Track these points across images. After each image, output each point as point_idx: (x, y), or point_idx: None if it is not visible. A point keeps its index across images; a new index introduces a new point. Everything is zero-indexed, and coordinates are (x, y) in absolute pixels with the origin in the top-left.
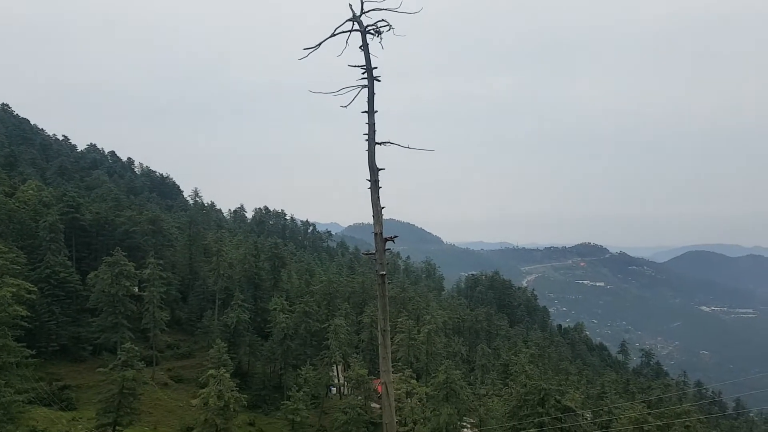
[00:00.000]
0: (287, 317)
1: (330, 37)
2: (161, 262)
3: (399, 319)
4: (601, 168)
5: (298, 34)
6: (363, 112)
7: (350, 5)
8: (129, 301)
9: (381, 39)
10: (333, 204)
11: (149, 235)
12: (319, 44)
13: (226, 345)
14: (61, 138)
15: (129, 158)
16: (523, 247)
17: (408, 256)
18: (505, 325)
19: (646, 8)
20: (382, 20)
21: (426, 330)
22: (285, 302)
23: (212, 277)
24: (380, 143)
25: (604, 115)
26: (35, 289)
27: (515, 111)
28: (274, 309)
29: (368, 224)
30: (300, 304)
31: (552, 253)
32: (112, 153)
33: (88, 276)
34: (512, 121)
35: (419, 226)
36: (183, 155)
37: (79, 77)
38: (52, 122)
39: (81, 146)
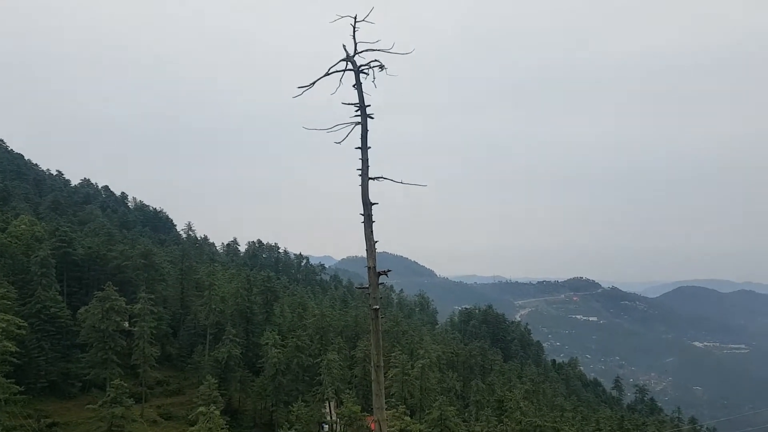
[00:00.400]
0: (279, 352)
1: (324, 76)
2: (152, 296)
3: (392, 354)
4: (591, 203)
5: (293, 71)
6: (357, 148)
7: (344, 46)
8: (119, 337)
9: (374, 78)
10: (326, 237)
11: (141, 270)
12: (314, 83)
13: (216, 381)
14: (54, 173)
15: (122, 193)
16: (516, 281)
17: (401, 290)
18: (499, 360)
19: (627, 47)
20: (375, 60)
21: (420, 365)
22: (277, 337)
23: (204, 312)
24: (373, 178)
25: (595, 151)
26: (25, 324)
27: (508, 146)
28: (266, 344)
29: (362, 257)
30: (292, 338)
31: (545, 287)
32: (106, 188)
33: (79, 311)
34: (505, 156)
35: (412, 259)
36: (177, 189)
37: (73, 112)
38: (46, 157)
39: (75, 181)
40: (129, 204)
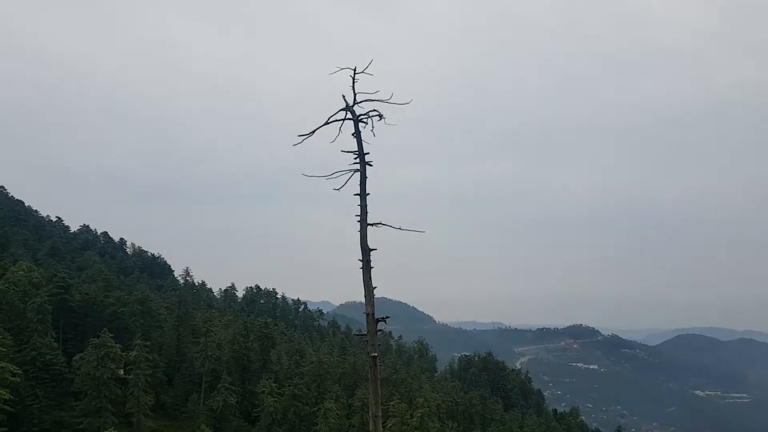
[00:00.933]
0: (276, 400)
1: (324, 125)
2: (148, 343)
3: (391, 402)
4: (591, 250)
5: (291, 120)
6: (355, 195)
7: (343, 96)
8: (114, 385)
9: (373, 127)
10: (325, 282)
11: (137, 316)
12: (313, 131)
13: (211, 431)
14: (54, 219)
15: (121, 239)
16: (516, 328)
17: (400, 336)
18: (499, 409)
19: (620, 102)
20: (374, 110)
21: (419, 414)
22: (274, 384)
23: (200, 359)
24: (372, 224)
25: (595, 199)
26: (20, 371)
27: (506, 192)
28: (263, 392)
29: (360, 302)
30: (289, 386)
31: (544, 334)
32: (105, 234)
33: (74, 358)
34: (503, 203)
35: (411, 305)
36: (175, 235)
37: (73, 159)
38: (45, 204)
39: (74, 227)
40: (127, 250)
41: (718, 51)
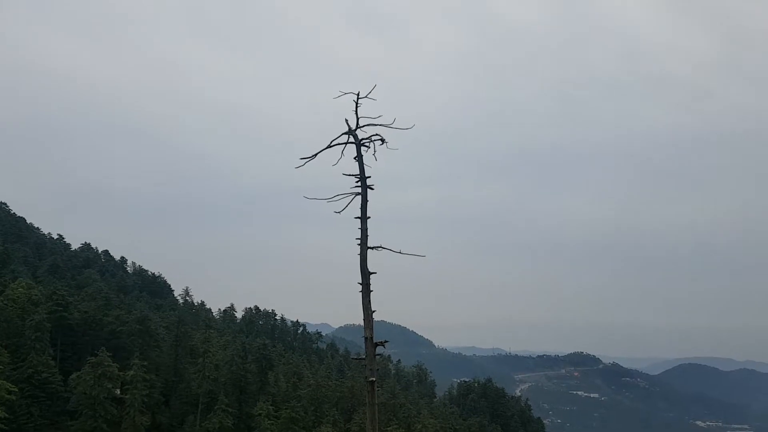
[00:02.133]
0: (272, 423)
1: (326, 148)
2: (146, 363)
3: (388, 428)
4: (592, 277)
5: (293, 141)
6: (356, 218)
7: (346, 120)
8: (110, 405)
9: (375, 151)
10: (324, 304)
11: (136, 335)
12: (316, 154)
13: None
14: (55, 237)
15: (122, 257)
16: (516, 354)
17: (399, 360)
18: None
19: (627, 126)
20: (377, 134)
21: None
22: (271, 407)
23: (197, 379)
24: (372, 248)
25: (597, 226)
26: (16, 389)
27: (506, 218)
28: (260, 414)
29: (359, 325)
30: (286, 409)
31: (545, 361)
32: (106, 252)
33: (71, 377)
34: (504, 227)
35: (411, 329)
36: (176, 254)
37: (76, 177)
38: (47, 221)
39: (75, 245)
40: (128, 269)
41: (718, 79)
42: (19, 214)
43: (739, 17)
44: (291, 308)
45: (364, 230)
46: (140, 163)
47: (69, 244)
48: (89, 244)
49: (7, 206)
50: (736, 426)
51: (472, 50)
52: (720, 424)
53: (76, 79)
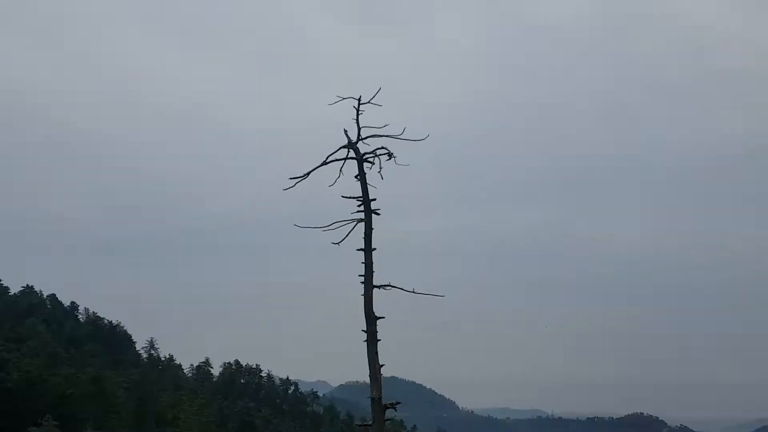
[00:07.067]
0: None
1: (321, 165)
2: None
3: None
4: (654, 321)
5: (281, 159)
6: (359, 250)
7: (345, 131)
8: None
9: (380, 168)
10: (320, 357)
11: (89, 399)
12: (308, 173)
13: None
14: None
15: (72, 302)
16: (560, 417)
17: (414, 426)
18: None
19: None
20: (382, 148)
21: None
22: None
23: None
24: (379, 286)
25: (657, 258)
26: None
27: (545, 249)
28: None
29: (365, 383)
30: None
31: (597, 425)
32: (52, 296)
33: None
34: (542, 261)
35: (429, 387)
36: (138, 298)
37: (14, 206)
38: None
39: (14, 289)
40: (79, 316)
41: None
42: None
43: None
44: (280, 363)
45: (368, 265)
46: (94, 192)
47: (7, 288)
48: (32, 287)
49: None
50: None
51: (492, 48)
52: None
53: (21, 93)
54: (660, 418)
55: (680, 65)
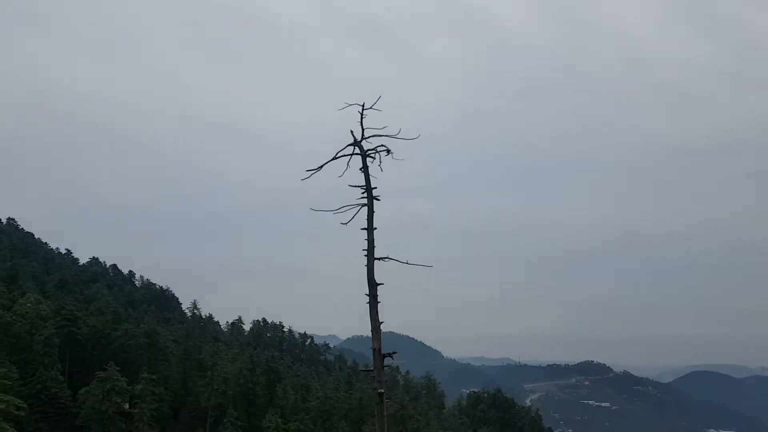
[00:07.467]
0: None
1: (332, 159)
2: (154, 377)
3: None
4: (601, 287)
5: (300, 154)
6: (363, 229)
7: (351, 131)
8: (119, 419)
9: (380, 162)
10: (331, 316)
11: (144, 349)
12: (321, 166)
13: None
14: (63, 252)
15: (130, 271)
16: (526, 364)
17: (407, 371)
18: None
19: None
20: (382, 145)
21: None
22: (279, 419)
23: (205, 393)
24: (379, 258)
25: (604, 236)
26: (25, 405)
27: (514, 229)
28: (268, 427)
29: (367, 336)
30: (295, 421)
31: (554, 370)
32: (114, 266)
33: (79, 392)
34: (511, 238)
35: (419, 340)
36: (184, 268)
37: (84, 193)
38: (56, 236)
39: (83, 260)
40: (136, 282)
41: (720, 87)
42: (27, 229)
43: (740, 25)
44: (298, 321)
45: (370, 241)
46: (145, 179)
47: (77, 259)
48: (97, 258)
49: (15, 222)
50: None
51: (472, 61)
52: None
53: (80, 97)
54: (607, 365)
55: (625, 75)
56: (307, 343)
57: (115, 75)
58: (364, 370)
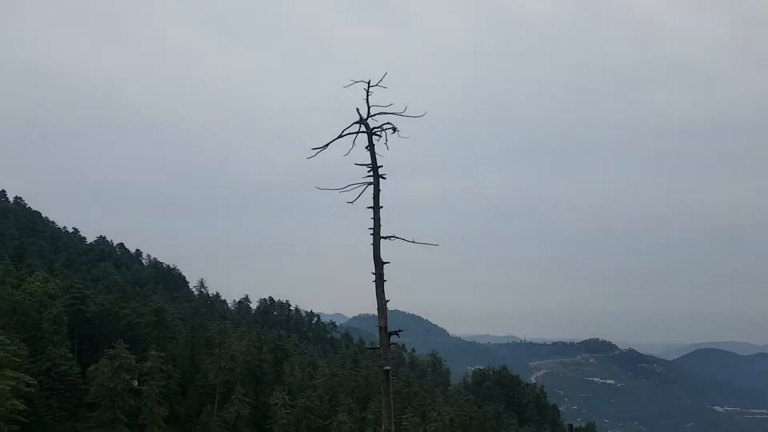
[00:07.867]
0: (288, 413)
1: (338, 137)
2: (162, 354)
3: (404, 416)
4: (607, 264)
5: (305, 133)
6: (369, 208)
7: (357, 109)
8: (128, 396)
9: (386, 140)
10: (338, 294)
11: (152, 327)
12: (327, 144)
13: None
14: (71, 230)
15: (137, 250)
16: (531, 342)
17: (413, 349)
18: (514, 424)
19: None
20: (388, 123)
21: (432, 428)
22: (287, 396)
23: (213, 370)
24: (385, 237)
25: (610, 213)
26: (35, 382)
27: (519, 207)
28: (276, 404)
29: (373, 315)
30: (302, 398)
31: (560, 348)
32: (121, 245)
33: (89, 369)
34: (516, 216)
35: (425, 318)
36: (190, 247)
37: (90, 172)
38: (63, 215)
39: (90, 238)
40: (143, 261)
41: (731, 63)
42: (34, 208)
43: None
44: (305, 299)
45: (376, 220)
46: (151, 159)
47: (84, 238)
48: (104, 237)
49: (23, 201)
50: (755, 411)
51: (480, 38)
52: (738, 409)
53: (85, 76)
54: (612, 342)
55: (636, 53)
56: (313, 322)
57: (115, 52)
58: (370, 348)
